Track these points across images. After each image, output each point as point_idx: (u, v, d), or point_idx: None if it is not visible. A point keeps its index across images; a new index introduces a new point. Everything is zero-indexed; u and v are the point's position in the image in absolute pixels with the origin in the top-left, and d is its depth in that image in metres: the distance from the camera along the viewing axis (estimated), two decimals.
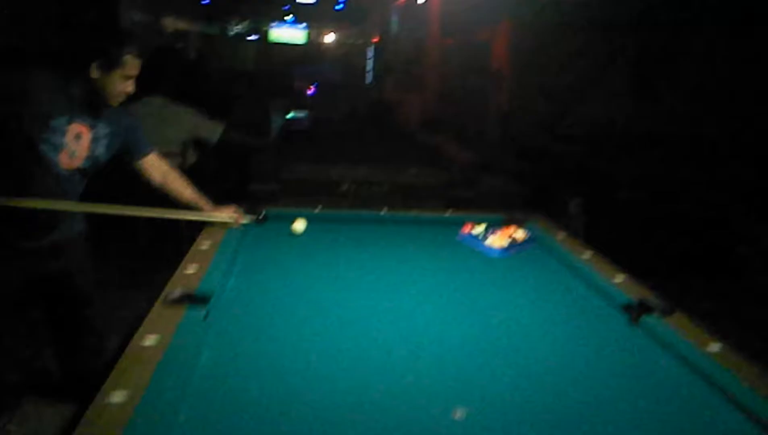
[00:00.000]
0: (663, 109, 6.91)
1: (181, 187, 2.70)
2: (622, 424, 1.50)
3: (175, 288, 2.00)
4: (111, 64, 2.24)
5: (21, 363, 2.68)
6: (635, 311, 2.04)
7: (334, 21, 16.25)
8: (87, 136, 2.35)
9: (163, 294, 1.95)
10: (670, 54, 7.14)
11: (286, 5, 15.81)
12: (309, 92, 10.71)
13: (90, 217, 2.60)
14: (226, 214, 2.78)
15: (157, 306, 1.89)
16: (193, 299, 1.93)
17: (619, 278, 2.34)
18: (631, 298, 2.12)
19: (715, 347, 1.81)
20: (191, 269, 2.20)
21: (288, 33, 16.80)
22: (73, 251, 2.56)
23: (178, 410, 1.39)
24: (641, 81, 7.39)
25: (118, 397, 1.37)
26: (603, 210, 4.56)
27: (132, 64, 2.29)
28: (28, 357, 2.76)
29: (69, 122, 2.28)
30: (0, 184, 2.24)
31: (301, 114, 7.85)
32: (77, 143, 2.33)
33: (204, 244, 2.51)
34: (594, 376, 1.73)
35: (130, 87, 2.34)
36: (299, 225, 2.85)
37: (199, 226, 2.74)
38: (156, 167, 2.65)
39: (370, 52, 14.57)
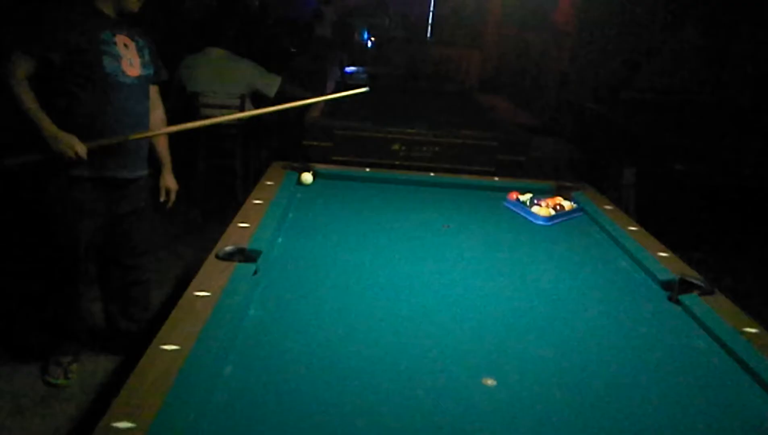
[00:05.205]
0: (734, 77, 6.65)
1: (159, 123, 2.79)
2: (654, 401, 1.54)
3: (227, 242, 2.10)
4: None
5: (78, 311, 2.82)
6: (676, 289, 2.05)
7: None
8: (132, 45, 2.53)
9: (217, 248, 2.05)
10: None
11: None
12: (368, 45, 10.62)
13: None
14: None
15: (210, 259, 1.99)
16: (245, 255, 2.02)
17: (663, 254, 2.34)
18: (673, 275, 2.12)
19: (752, 330, 1.82)
20: (243, 224, 2.30)
21: None
22: (142, 190, 2.73)
23: (224, 362, 1.49)
24: (712, 45, 7.12)
25: (170, 347, 1.47)
26: (657, 181, 4.47)
27: None
28: (85, 306, 2.90)
29: (113, 34, 2.47)
30: (80, 111, 2.42)
31: (359, 68, 7.81)
32: (128, 51, 2.51)
33: (257, 199, 2.60)
34: (629, 351, 1.77)
35: None
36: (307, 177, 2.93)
37: (254, 180, 2.84)
38: (152, 96, 2.75)
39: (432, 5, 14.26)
